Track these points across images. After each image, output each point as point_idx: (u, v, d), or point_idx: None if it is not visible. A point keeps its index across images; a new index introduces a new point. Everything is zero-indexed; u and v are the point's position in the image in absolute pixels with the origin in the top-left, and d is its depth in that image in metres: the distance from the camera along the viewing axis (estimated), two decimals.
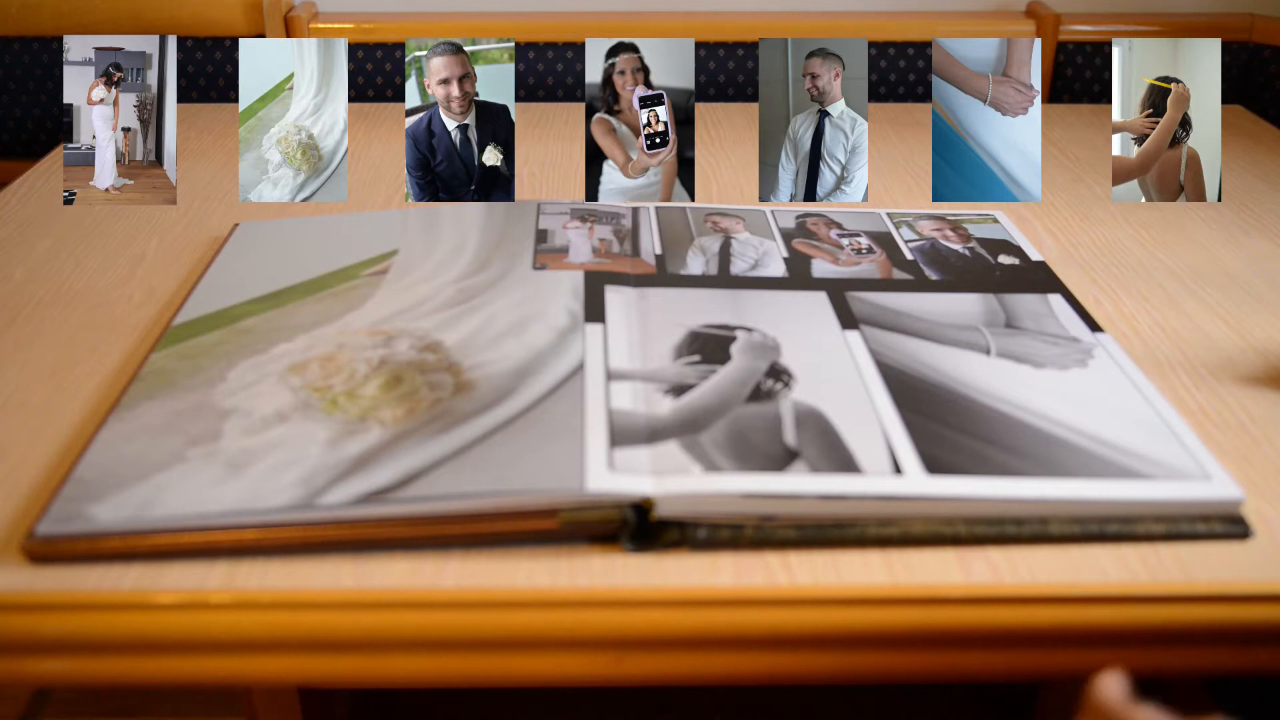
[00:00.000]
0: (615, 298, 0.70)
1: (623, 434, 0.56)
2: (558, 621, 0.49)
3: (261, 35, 1.26)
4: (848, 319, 0.68)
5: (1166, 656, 0.51)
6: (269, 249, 0.79)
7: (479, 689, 1.26)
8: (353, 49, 1.27)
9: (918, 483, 0.53)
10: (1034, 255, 0.78)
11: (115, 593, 0.49)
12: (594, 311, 0.68)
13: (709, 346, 0.64)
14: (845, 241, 0.79)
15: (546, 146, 1.05)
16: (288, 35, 1.26)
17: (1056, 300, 0.71)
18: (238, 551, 0.51)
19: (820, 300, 0.70)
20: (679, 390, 0.60)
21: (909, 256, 0.77)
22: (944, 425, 0.57)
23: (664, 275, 0.73)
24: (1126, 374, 0.63)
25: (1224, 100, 1.29)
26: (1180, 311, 0.74)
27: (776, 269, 0.75)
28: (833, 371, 0.62)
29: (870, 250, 0.78)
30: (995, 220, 0.85)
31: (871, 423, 0.57)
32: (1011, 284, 0.74)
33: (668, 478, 0.52)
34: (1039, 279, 0.75)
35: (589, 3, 1.30)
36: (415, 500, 0.51)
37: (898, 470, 0.53)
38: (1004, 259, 0.78)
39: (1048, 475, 0.53)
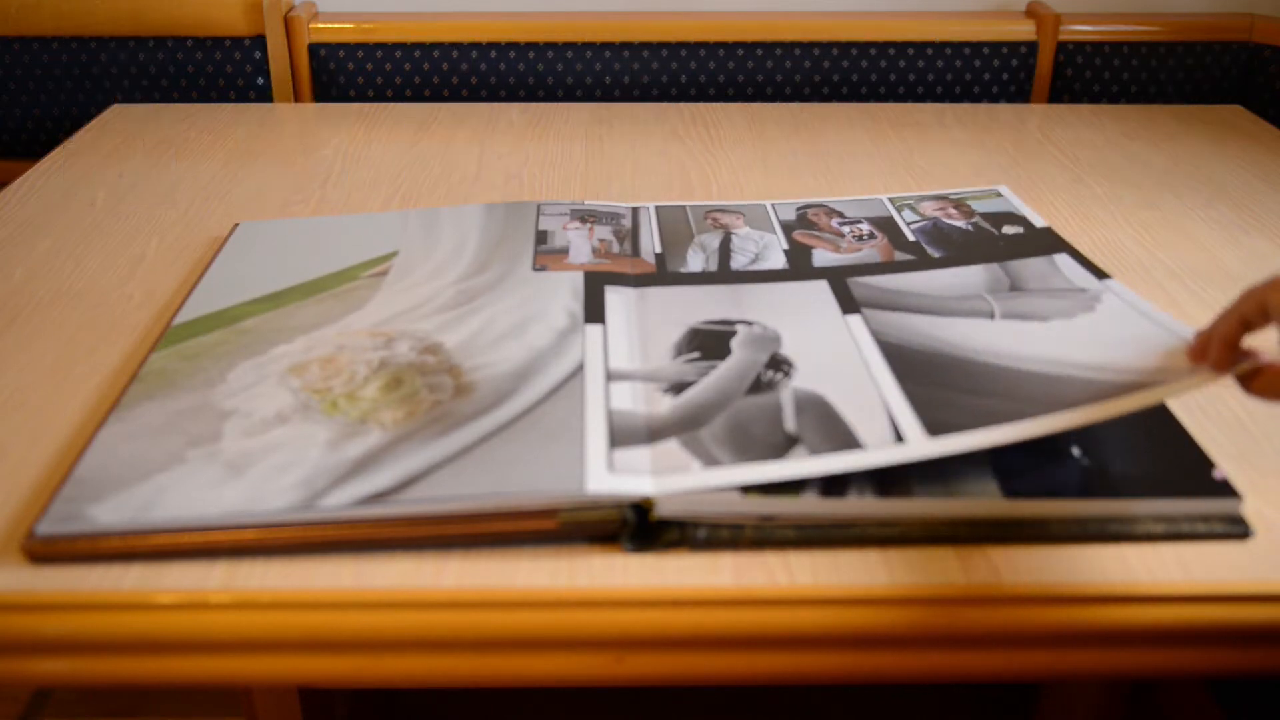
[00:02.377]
0: (615, 298, 0.70)
1: (622, 434, 0.56)
2: (558, 621, 0.49)
3: (261, 35, 1.26)
4: (849, 304, 0.68)
5: (1166, 656, 0.51)
6: (269, 249, 0.79)
7: (479, 689, 1.26)
8: (353, 49, 1.27)
9: (920, 447, 0.52)
10: (1038, 223, 0.77)
11: (115, 593, 0.49)
12: (594, 312, 0.68)
13: (709, 342, 0.64)
14: (846, 229, 0.79)
15: (546, 146, 1.05)
16: (288, 35, 1.26)
17: (1062, 259, 0.70)
18: (238, 552, 0.51)
19: (821, 288, 0.70)
20: (679, 388, 0.60)
21: (911, 238, 0.77)
22: (946, 389, 0.57)
23: (664, 274, 0.73)
24: (1137, 308, 0.61)
25: (1224, 100, 1.29)
26: (1180, 311, 0.74)
27: (777, 261, 0.75)
28: (833, 355, 0.62)
29: (872, 235, 0.78)
30: (999, 194, 0.84)
31: (873, 399, 0.57)
32: (1016, 251, 0.72)
33: (667, 476, 0.52)
34: (1044, 243, 0.73)
35: (589, 3, 1.30)
36: (415, 502, 0.51)
37: (899, 439, 0.53)
38: (1008, 229, 0.77)
39: (1052, 413, 0.52)
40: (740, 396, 0.58)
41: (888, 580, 0.50)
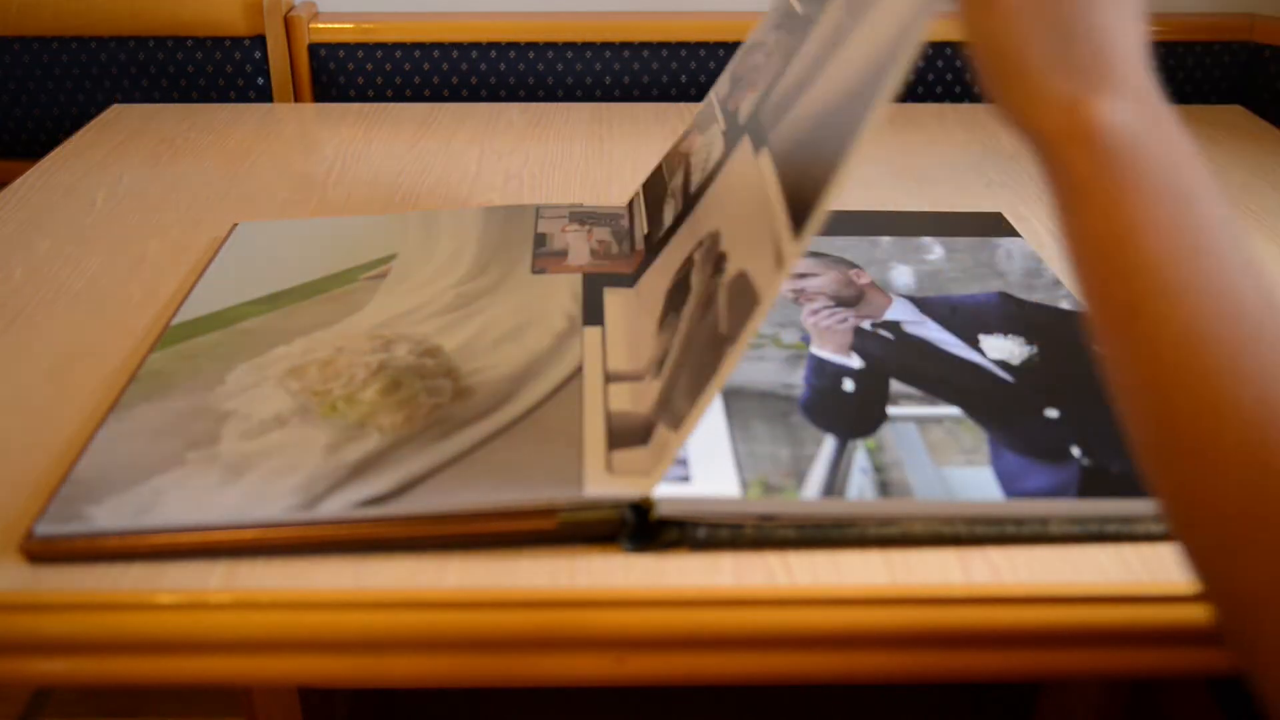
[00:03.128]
0: (613, 299, 0.69)
1: (621, 435, 0.56)
2: (558, 621, 0.49)
3: (261, 35, 1.26)
4: (761, 140, 0.62)
5: (1166, 656, 0.51)
6: (268, 250, 0.79)
7: (479, 689, 1.26)
8: (353, 49, 1.27)
9: (788, 246, 0.49)
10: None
11: (115, 593, 0.49)
12: (592, 314, 0.68)
13: (677, 296, 0.62)
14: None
15: (546, 146, 1.05)
16: (288, 35, 1.26)
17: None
18: (237, 552, 0.51)
19: (745, 147, 0.64)
20: (659, 365, 0.58)
21: None
22: (815, 159, 0.51)
23: (650, 252, 0.72)
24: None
25: (1224, 100, 1.29)
26: None
27: (718, 152, 0.70)
28: (750, 214, 0.57)
29: None
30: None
31: (766, 234, 0.52)
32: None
33: (658, 468, 0.52)
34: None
35: (589, 3, 1.30)
36: (414, 506, 0.51)
37: (778, 252, 0.49)
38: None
39: (871, 103, 0.47)
40: (697, 331, 0.55)
41: (888, 580, 0.50)
